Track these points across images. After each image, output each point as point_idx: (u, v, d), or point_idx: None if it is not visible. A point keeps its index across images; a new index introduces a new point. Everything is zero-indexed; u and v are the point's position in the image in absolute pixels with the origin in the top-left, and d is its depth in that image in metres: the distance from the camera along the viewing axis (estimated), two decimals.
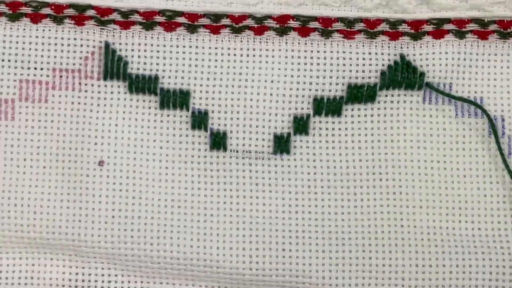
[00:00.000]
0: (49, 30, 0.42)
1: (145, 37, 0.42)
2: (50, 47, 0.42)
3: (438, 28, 0.42)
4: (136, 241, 0.42)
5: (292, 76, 0.42)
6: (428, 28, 0.42)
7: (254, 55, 0.43)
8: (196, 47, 0.43)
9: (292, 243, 0.42)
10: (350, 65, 0.42)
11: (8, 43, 0.42)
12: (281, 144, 0.42)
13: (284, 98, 0.42)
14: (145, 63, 0.42)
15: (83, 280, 0.42)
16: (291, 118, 0.42)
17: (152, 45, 0.42)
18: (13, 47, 0.42)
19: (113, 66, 0.42)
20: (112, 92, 0.42)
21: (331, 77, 0.42)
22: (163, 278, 0.43)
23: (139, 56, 0.42)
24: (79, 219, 0.42)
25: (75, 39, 0.42)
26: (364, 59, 0.42)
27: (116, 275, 0.42)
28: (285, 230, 0.42)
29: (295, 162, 0.42)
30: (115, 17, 0.42)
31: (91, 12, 0.42)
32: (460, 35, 0.42)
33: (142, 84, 0.42)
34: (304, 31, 0.43)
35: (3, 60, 0.42)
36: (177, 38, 0.43)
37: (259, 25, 0.43)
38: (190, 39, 0.43)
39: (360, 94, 0.42)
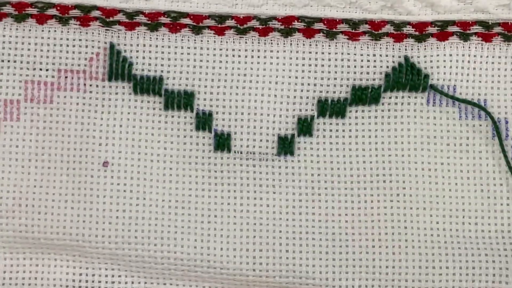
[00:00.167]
0: (55, 31, 0.42)
1: (150, 38, 0.43)
2: (55, 48, 0.42)
3: (442, 30, 0.42)
4: (140, 241, 0.42)
5: (296, 77, 0.43)
6: (432, 30, 0.42)
7: (258, 56, 0.43)
8: (201, 48, 0.43)
9: (296, 245, 0.42)
10: (355, 66, 0.42)
11: (13, 44, 0.42)
12: (285, 146, 0.42)
13: (288, 100, 0.42)
14: (149, 64, 0.42)
15: (86, 281, 0.43)
16: (295, 119, 0.42)
17: (156, 46, 0.43)
18: (19, 48, 0.42)
19: (118, 67, 0.42)
20: (116, 93, 0.42)
21: (335, 78, 0.42)
22: (166, 279, 0.43)
23: (143, 57, 0.42)
24: (84, 220, 0.42)
25: (80, 40, 0.42)
26: (368, 60, 0.42)
27: (120, 276, 0.43)
28: (288, 231, 0.42)
29: (299, 164, 0.42)
30: (120, 18, 0.42)
31: (96, 13, 0.42)
32: (465, 37, 0.42)
33: (146, 85, 0.42)
34: (308, 33, 0.43)
35: (8, 61, 0.42)
36: (182, 39, 0.43)
37: (264, 26, 0.43)
38: (195, 40, 0.43)
39: (364, 95, 0.42)
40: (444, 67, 0.42)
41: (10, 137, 0.42)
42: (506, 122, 0.42)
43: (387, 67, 0.42)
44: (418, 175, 0.42)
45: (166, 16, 0.43)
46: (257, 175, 0.42)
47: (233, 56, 0.43)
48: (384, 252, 0.42)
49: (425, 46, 0.42)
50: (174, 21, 0.43)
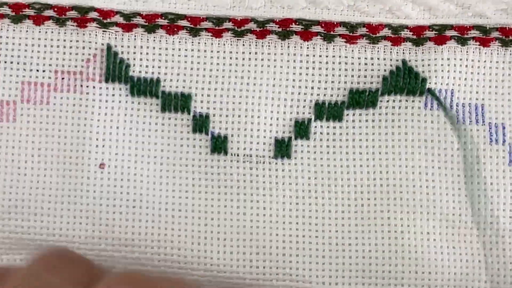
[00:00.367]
0: (52, 32, 0.42)
1: (147, 40, 0.42)
2: (52, 49, 0.42)
3: (440, 35, 0.42)
4: (137, 244, 0.42)
5: (293, 80, 0.42)
6: (430, 34, 0.42)
7: (256, 59, 0.43)
8: (198, 50, 0.43)
9: (293, 248, 0.42)
10: (352, 69, 0.42)
11: (10, 45, 0.42)
12: (282, 149, 0.42)
13: (286, 102, 0.42)
14: (147, 66, 0.42)
15: None
16: (292, 122, 0.42)
17: (154, 48, 0.42)
18: (15, 49, 0.42)
19: (115, 69, 0.42)
20: (113, 95, 0.42)
21: (332, 81, 0.42)
22: None
23: (141, 59, 0.42)
24: (80, 222, 0.42)
25: (77, 41, 0.42)
26: (366, 64, 0.42)
27: None
28: (285, 234, 0.42)
29: (296, 167, 0.42)
30: (118, 20, 0.42)
31: (93, 15, 0.42)
32: (462, 41, 0.42)
33: (143, 87, 0.42)
34: (306, 35, 0.43)
35: (5, 62, 0.42)
36: (179, 41, 0.43)
37: (261, 28, 0.43)
38: (192, 42, 0.43)
39: (362, 99, 0.42)
40: (442, 71, 0.42)
41: (6, 138, 0.42)
42: (503, 128, 0.42)
43: (385, 70, 0.42)
44: (415, 179, 0.42)
45: (163, 18, 0.43)
46: (254, 178, 0.42)
47: (230, 58, 0.43)
48: (380, 256, 0.42)
49: (422, 50, 0.42)
50: (172, 23, 0.43)
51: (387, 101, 0.42)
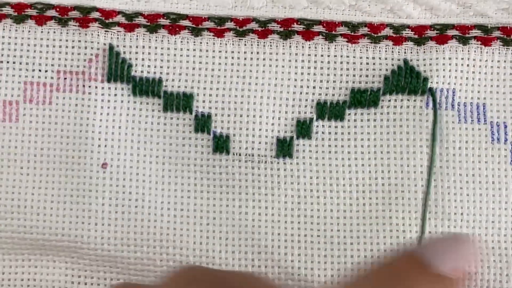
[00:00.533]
0: (54, 32, 0.42)
1: (149, 40, 0.42)
2: (54, 49, 0.42)
3: (441, 34, 0.42)
4: (139, 244, 0.42)
5: (295, 79, 0.43)
6: (431, 33, 0.42)
7: (258, 59, 0.43)
8: (200, 50, 0.43)
9: (294, 247, 0.42)
10: (354, 69, 0.43)
11: (13, 45, 0.42)
12: (284, 148, 0.42)
13: (287, 102, 0.42)
14: (149, 66, 0.42)
15: (85, 283, 0.43)
16: (294, 122, 0.42)
17: (156, 48, 0.42)
18: (18, 49, 0.42)
19: (117, 69, 0.42)
20: (115, 95, 0.42)
21: (334, 81, 0.43)
22: None
23: (143, 59, 0.42)
24: (82, 221, 0.42)
25: (79, 41, 0.42)
26: (367, 63, 0.43)
27: (118, 279, 0.43)
28: (287, 234, 0.42)
29: (298, 166, 0.42)
30: (120, 20, 0.42)
31: (95, 15, 0.42)
32: (464, 41, 0.42)
33: (145, 87, 0.42)
34: (308, 35, 0.43)
35: (8, 62, 0.42)
36: (181, 41, 0.43)
37: (263, 28, 0.43)
38: (194, 42, 0.43)
39: (363, 98, 0.42)
40: (443, 70, 0.42)
41: (9, 138, 0.42)
42: (505, 127, 0.42)
43: (386, 70, 0.42)
44: (417, 178, 0.42)
45: (165, 18, 0.43)
46: (256, 177, 0.42)
47: (232, 58, 0.43)
48: (382, 256, 0.42)
49: (424, 49, 0.42)
50: (174, 23, 0.43)
51: (389, 100, 0.42)
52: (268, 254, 0.42)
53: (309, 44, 0.43)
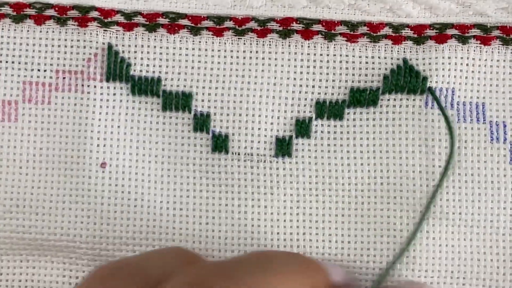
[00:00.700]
0: (53, 31, 0.42)
1: (148, 39, 0.42)
2: (53, 49, 0.42)
3: (441, 33, 0.42)
4: (138, 243, 0.42)
5: (294, 79, 0.43)
6: (431, 32, 0.42)
7: (257, 58, 0.43)
8: (199, 49, 0.43)
9: (293, 246, 0.42)
10: (353, 68, 0.42)
11: (11, 44, 0.42)
12: (283, 147, 0.42)
13: (287, 101, 0.42)
14: (147, 65, 0.42)
15: None
16: (293, 121, 0.42)
17: (155, 47, 0.42)
18: (17, 49, 0.42)
19: (116, 68, 0.42)
20: (114, 94, 0.42)
21: (333, 80, 0.42)
22: None
23: (142, 58, 0.42)
24: (81, 221, 0.42)
25: (78, 40, 0.42)
26: (367, 62, 0.42)
27: None
28: (286, 232, 0.42)
29: (297, 165, 0.42)
30: (118, 19, 0.42)
31: (94, 14, 0.42)
32: (463, 40, 0.42)
33: (144, 86, 0.42)
34: (307, 34, 0.43)
35: (6, 62, 0.42)
36: (180, 40, 0.43)
37: (262, 27, 0.43)
38: (193, 41, 0.43)
39: (362, 97, 0.42)
40: (443, 69, 0.42)
41: (8, 137, 0.42)
42: (504, 126, 0.42)
43: (386, 69, 0.42)
44: (416, 177, 0.42)
45: (164, 17, 0.43)
46: (255, 177, 0.42)
47: (231, 57, 0.43)
48: (378, 255, 0.42)
49: (423, 48, 0.42)
50: (172, 22, 0.43)
51: (388, 99, 0.42)
52: None
53: (308, 43, 0.43)
